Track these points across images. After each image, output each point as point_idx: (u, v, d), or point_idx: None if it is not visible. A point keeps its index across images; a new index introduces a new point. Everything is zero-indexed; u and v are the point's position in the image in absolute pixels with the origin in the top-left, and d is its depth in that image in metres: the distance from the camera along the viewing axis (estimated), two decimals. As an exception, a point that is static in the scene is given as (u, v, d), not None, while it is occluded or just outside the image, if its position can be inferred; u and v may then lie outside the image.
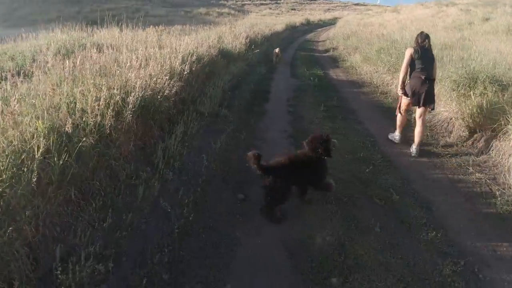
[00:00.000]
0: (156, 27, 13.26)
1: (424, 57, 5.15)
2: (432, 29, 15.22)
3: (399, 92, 5.47)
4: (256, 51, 13.58)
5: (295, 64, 14.23)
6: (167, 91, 5.13)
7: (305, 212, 3.88)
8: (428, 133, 6.41)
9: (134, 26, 12.04)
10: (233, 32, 14.75)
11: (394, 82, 9.66)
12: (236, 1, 63.57)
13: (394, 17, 26.81)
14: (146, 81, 4.90)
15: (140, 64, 5.33)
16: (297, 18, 37.82)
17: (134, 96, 4.31)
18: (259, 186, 3.79)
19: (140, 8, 41.07)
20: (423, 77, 5.08)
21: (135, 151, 4.69)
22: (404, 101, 5.51)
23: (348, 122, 6.99)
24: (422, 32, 5.39)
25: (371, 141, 5.91)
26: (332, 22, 39.61)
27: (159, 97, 4.90)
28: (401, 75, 5.35)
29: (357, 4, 68.88)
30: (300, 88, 9.91)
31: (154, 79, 4.93)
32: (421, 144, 5.49)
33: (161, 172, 4.41)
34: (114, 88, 4.27)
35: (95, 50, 5.90)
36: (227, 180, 4.48)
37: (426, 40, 5.23)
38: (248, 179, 4.38)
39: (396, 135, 5.86)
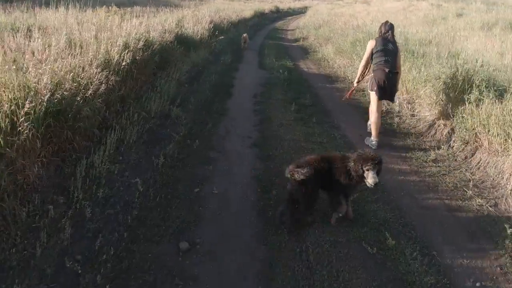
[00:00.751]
0: (110, 7, 11.64)
1: (386, 50, 4.87)
2: (406, 22, 14.50)
3: (355, 83, 5.51)
4: (221, 37, 12.25)
5: (264, 54, 13.03)
6: (93, 89, 3.82)
7: (276, 268, 2.77)
8: (414, 141, 5.50)
9: (89, 6, 10.34)
10: (196, 16, 13.29)
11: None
12: (204, -15, 60.98)
13: (364, 8, 26.08)
14: (61, 76, 3.57)
15: (58, 54, 3.95)
16: (266, 5, 36.35)
17: (35, 101, 3.00)
18: (214, 225, 2.65)
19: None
20: (386, 70, 4.81)
21: (47, 174, 3.40)
22: (374, 99, 5.08)
23: (324, 126, 5.93)
24: (386, 22, 5.08)
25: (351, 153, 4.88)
26: (301, 11, 38.47)
27: (78, 98, 3.58)
28: (361, 67, 5.19)
29: (326, -6, 67.97)
30: (268, 81, 8.76)
31: (71, 74, 3.58)
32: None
33: (77, 206, 3.17)
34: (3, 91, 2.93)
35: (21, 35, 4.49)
36: (168, 215, 3.28)
37: (390, 31, 4.96)
38: (199, 214, 3.22)
39: (373, 140, 5.17)
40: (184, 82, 7.78)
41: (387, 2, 29.54)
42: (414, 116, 6.38)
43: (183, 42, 9.87)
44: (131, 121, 4.82)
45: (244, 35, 13.96)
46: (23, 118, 2.86)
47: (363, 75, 5.39)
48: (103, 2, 24.90)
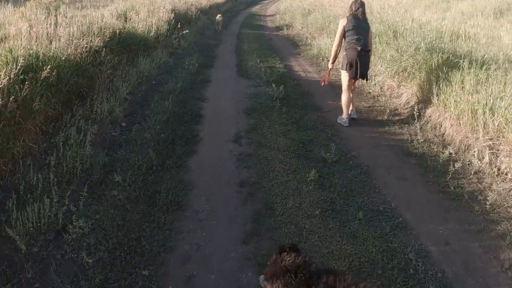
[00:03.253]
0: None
1: (358, 27, 4.60)
2: (406, 5, 11.47)
3: (329, 65, 5.14)
4: (185, 31, 8.81)
5: (243, 49, 9.70)
6: None
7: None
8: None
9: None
10: (152, 4, 9.76)
11: (409, 96, 5.68)
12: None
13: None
14: None
15: None
16: (240, -11, 32.54)
17: None
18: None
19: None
20: (359, 48, 4.54)
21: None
22: (345, 77, 4.82)
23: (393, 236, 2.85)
24: (356, 0, 4.66)
25: None
26: (278, -6, 34.85)
27: None
28: (333, 47, 4.90)
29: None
30: (256, 104, 5.53)
31: None
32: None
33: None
34: None
35: None
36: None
37: (360, 8, 4.63)
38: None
39: (344, 118, 4.96)
40: (114, 124, 4.50)
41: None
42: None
43: (126, 44, 6.49)
44: None
45: (218, 17, 12.79)
46: None
47: (336, 55, 5.02)
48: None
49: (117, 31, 6.10)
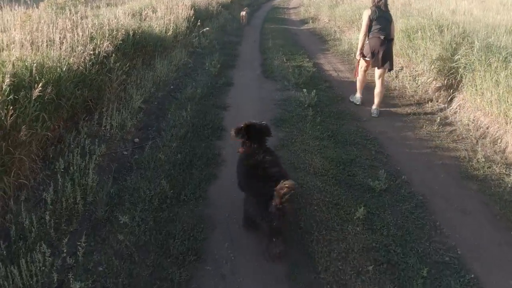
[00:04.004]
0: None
1: (381, 18, 4.64)
2: None
3: (357, 56, 4.98)
4: (205, 29, 8.18)
5: (267, 47, 9.00)
6: None
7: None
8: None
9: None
10: (170, 0, 9.17)
11: (463, 104, 4.88)
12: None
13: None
14: None
15: None
16: (262, -19, 31.53)
17: None
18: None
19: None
20: (382, 37, 4.60)
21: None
22: (363, 62, 4.94)
23: None
24: None
25: None
26: (301, -15, 33.62)
27: None
28: (360, 38, 4.83)
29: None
30: (284, 112, 4.84)
31: None
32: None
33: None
34: None
35: None
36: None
37: (382, 0, 4.66)
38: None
39: (357, 97, 5.21)
40: (126, 140, 3.96)
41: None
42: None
43: (141, 46, 5.94)
44: None
45: (243, 12, 12.56)
46: None
47: (363, 45, 4.83)
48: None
49: (131, 32, 5.54)
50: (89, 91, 3.98)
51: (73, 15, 5.75)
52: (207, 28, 8.22)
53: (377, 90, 4.89)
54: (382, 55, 4.66)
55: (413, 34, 6.49)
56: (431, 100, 5.43)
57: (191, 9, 8.66)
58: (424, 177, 3.49)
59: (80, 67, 3.66)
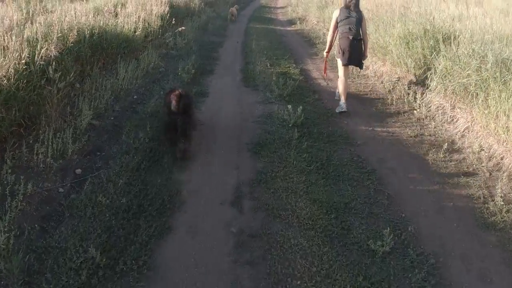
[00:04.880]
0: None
1: (350, 17, 4.73)
2: None
3: (325, 54, 5.27)
4: (180, 28, 7.25)
5: (250, 49, 8.17)
6: None
7: None
8: None
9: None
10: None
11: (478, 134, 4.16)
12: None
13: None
14: None
15: None
16: (250, -22, 30.57)
17: None
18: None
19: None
20: (350, 37, 4.68)
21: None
22: (340, 64, 4.87)
23: None
24: None
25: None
26: (289, -16, 32.80)
27: None
28: (328, 37, 5.07)
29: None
30: (265, 133, 4.01)
31: None
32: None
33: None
34: None
35: None
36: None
37: (353, 0, 4.71)
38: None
39: (342, 103, 4.81)
40: (66, 170, 3.10)
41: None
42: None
43: (102, 47, 5.07)
44: None
45: (232, 9, 12.74)
46: None
47: (331, 44, 5.10)
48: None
49: (87, 32, 4.64)
50: (19, 110, 3.11)
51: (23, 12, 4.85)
52: (183, 28, 7.33)
53: (342, 82, 4.91)
54: (349, 54, 4.73)
55: (412, 41, 5.78)
56: (433, 118, 4.73)
57: (167, 5, 7.74)
58: (434, 226, 2.75)
59: (4, 82, 2.78)
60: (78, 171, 3.20)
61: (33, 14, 5.43)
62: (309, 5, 13.63)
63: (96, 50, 5.05)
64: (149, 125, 3.85)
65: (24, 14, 5.52)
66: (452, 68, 4.71)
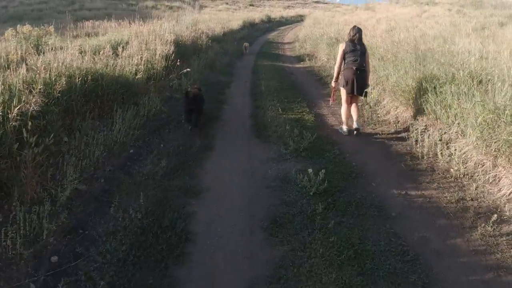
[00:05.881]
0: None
1: (355, 51, 5.07)
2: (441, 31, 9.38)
3: (332, 84, 5.51)
4: (185, 70, 6.79)
5: (260, 90, 7.67)
6: None
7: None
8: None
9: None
10: (152, 33, 7.87)
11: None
12: (191, -5, 55.32)
13: (371, 15, 20.93)
14: None
15: None
16: (256, 14, 30.89)
17: None
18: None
19: (76, 1, 32.60)
20: (354, 68, 5.00)
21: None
22: (343, 92, 5.25)
23: None
24: (354, 26, 5.25)
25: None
26: (295, 20, 33.10)
27: None
28: (336, 68, 5.33)
29: (317, 2, 61.87)
30: (281, 205, 3.30)
31: None
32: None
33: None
34: None
35: None
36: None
37: (357, 34, 5.12)
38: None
39: (344, 127, 5.34)
40: (40, 261, 2.44)
41: (395, 8, 24.54)
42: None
43: (97, 95, 4.54)
44: None
45: (246, 44, 14.18)
46: None
47: (338, 75, 5.35)
48: (78, 16, 19.32)
49: (78, 80, 4.12)
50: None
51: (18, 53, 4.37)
52: (188, 69, 6.84)
53: (353, 109, 5.22)
54: (354, 83, 5.01)
55: (439, 86, 5.21)
56: (473, 178, 4.05)
57: (172, 44, 7.32)
58: None
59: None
60: (54, 259, 2.53)
61: (26, 53, 4.99)
62: (318, 42, 13.33)
63: (90, 98, 4.52)
64: (143, 193, 3.19)
65: (19, 53, 5.08)
66: (494, 121, 4.08)
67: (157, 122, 5.26)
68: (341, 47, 5.21)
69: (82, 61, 4.98)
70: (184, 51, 8.42)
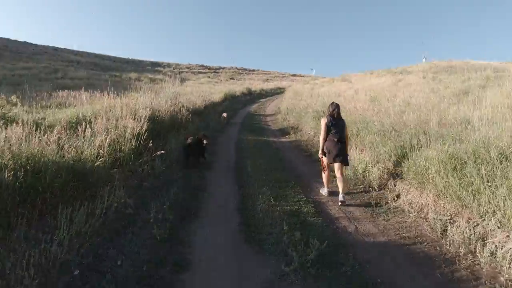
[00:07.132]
0: None
1: (335, 124, 5.46)
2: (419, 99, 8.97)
3: (320, 155, 5.65)
4: (159, 152, 5.77)
5: (246, 172, 6.68)
6: None
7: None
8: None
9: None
10: (127, 107, 6.99)
11: None
12: (174, 68, 56.93)
13: (348, 86, 21.29)
14: None
15: None
16: (237, 87, 31.35)
17: None
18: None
19: (59, 69, 32.39)
20: (335, 139, 5.38)
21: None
22: (325, 160, 5.55)
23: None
24: (333, 103, 5.66)
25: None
26: (275, 92, 33.80)
27: None
28: (321, 140, 5.56)
29: (294, 75, 65.01)
30: None
31: None
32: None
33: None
34: None
35: None
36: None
37: (336, 109, 5.51)
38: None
39: (324, 190, 5.68)
40: None
41: (370, 79, 25.33)
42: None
43: (36, 192, 3.39)
44: None
45: (224, 114, 14.13)
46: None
47: (323, 146, 5.57)
48: (58, 85, 18.56)
49: (7, 174, 3.00)
50: None
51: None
52: (162, 151, 5.84)
53: (339, 181, 5.36)
54: (334, 152, 5.34)
55: (461, 168, 4.37)
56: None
57: (145, 120, 6.39)
58: None
59: None
60: None
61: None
62: (302, 115, 12.87)
63: (27, 197, 3.36)
64: None
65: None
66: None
67: (119, 223, 4.06)
68: (323, 121, 5.54)
69: (28, 143, 3.92)
70: (160, 127, 7.52)
